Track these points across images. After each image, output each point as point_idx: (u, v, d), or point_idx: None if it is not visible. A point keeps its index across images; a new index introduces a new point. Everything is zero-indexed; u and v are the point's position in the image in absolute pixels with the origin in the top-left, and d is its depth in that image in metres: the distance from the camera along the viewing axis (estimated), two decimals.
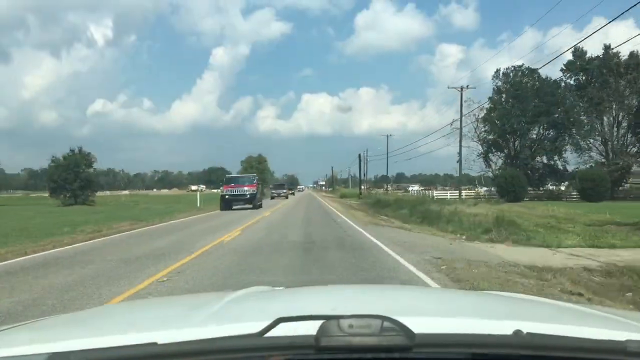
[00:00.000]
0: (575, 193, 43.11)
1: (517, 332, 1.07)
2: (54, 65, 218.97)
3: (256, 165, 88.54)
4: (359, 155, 75.41)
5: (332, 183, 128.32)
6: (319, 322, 1.02)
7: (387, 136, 70.82)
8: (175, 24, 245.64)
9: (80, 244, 12.80)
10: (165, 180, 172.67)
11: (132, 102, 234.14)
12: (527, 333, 1.06)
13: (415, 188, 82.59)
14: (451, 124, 44.52)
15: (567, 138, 47.49)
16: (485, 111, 48.49)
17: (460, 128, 41.51)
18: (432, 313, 1.51)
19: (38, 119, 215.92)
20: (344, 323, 1.01)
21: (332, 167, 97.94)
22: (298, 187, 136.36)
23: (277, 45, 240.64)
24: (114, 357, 1.02)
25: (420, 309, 1.63)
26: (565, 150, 48.41)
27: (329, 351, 1.00)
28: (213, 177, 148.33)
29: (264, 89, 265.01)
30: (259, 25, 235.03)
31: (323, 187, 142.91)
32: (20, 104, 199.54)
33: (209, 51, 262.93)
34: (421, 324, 1.09)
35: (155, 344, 1.05)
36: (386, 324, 1.01)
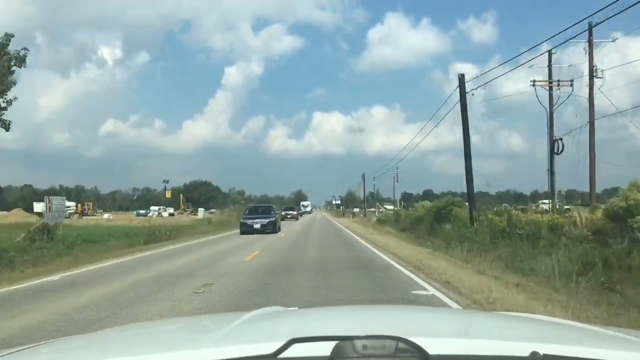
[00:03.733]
0: None
1: (534, 354, 1.05)
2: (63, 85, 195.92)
3: None
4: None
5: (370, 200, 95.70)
6: (332, 343, 1.01)
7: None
8: (186, 41, 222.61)
9: None
10: (143, 199, 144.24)
11: (144, 122, 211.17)
12: (544, 355, 1.05)
13: None
14: None
15: None
16: None
17: None
18: (447, 334, 1.48)
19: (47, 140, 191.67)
20: (358, 344, 1.00)
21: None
22: (301, 204, 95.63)
23: (289, 61, 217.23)
24: None
25: (435, 329, 1.59)
26: None
27: None
28: (195, 193, 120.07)
29: (276, 108, 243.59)
30: (271, 42, 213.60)
31: (341, 207, 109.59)
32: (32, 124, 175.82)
33: (221, 70, 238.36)
34: (436, 345, 1.07)
35: None
36: (401, 344, 1.00)
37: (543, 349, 1.05)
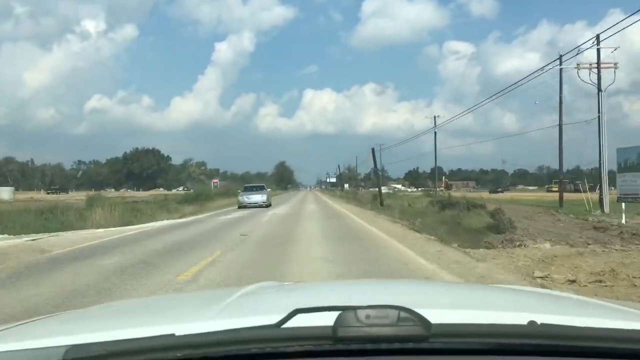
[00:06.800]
0: None
1: (532, 323, 1.08)
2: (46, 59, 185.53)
3: None
4: None
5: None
6: (335, 313, 1.03)
7: None
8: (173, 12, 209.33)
9: None
10: (87, 175, 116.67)
11: (131, 98, 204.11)
12: (542, 324, 1.08)
13: None
14: None
15: None
16: None
17: None
18: (448, 305, 1.52)
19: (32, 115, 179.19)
20: (361, 314, 1.02)
21: None
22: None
23: (280, 35, 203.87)
24: (133, 349, 1.02)
25: (436, 301, 1.65)
26: None
27: (346, 341, 1.01)
28: (136, 167, 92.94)
29: (266, 85, 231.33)
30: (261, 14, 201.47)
31: (340, 187, 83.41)
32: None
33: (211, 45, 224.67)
34: (437, 315, 1.10)
35: (173, 335, 1.06)
36: (403, 314, 1.02)
37: (541, 318, 1.09)
